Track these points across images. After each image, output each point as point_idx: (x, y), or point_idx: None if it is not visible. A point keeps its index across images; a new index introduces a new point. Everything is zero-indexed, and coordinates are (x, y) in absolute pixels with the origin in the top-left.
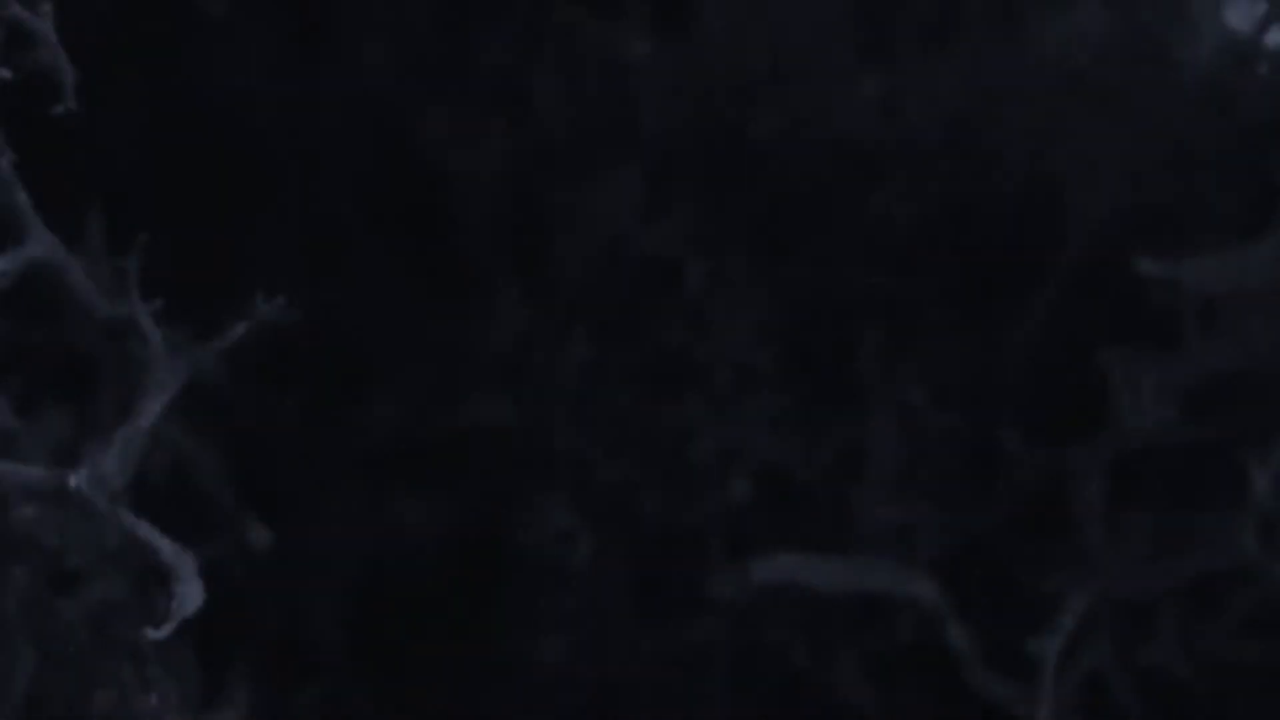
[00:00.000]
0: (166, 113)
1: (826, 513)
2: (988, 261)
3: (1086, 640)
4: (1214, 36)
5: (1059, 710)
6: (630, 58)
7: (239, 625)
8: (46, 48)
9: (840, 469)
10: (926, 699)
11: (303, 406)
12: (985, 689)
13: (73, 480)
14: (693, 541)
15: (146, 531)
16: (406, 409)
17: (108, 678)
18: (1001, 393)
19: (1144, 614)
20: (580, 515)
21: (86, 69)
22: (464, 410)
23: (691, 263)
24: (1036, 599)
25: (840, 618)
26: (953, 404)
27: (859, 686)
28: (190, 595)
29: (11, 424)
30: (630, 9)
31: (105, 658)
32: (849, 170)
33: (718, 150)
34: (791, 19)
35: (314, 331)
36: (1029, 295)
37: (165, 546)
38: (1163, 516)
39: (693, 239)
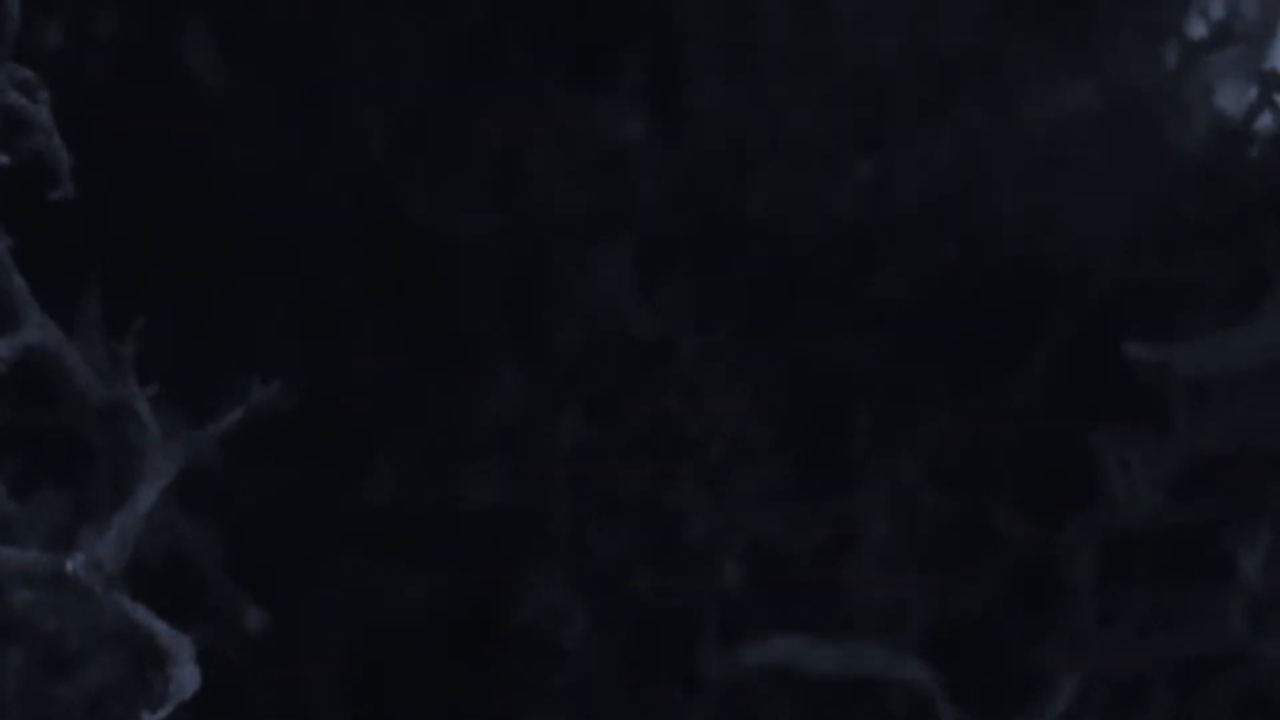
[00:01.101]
0: (163, 190)
1: (818, 590)
2: (980, 340)
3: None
4: (1205, 119)
5: None
6: (624, 137)
7: (236, 708)
8: (44, 134)
9: (833, 546)
10: None
11: (298, 483)
12: None
13: (69, 564)
14: (686, 619)
15: (143, 615)
16: (403, 485)
17: None
18: (993, 471)
19: (1135, 693)
20: (575, 592)
21: (83, 152)
22: (460, 486)
23: (686, 340)
24: (1028, 677)
25: (831, 696)
26: (945, 481)
27: None
28: (187, 678)
29: (8, 507)
30: (625, 89)
31: None
32: (842, 248)
33: (712, 228)
34: (784, 98)
35: (310, 408)
36: (1021, 374)
37: (162, 629)
38: (1153, 596)
39: (687, 316)
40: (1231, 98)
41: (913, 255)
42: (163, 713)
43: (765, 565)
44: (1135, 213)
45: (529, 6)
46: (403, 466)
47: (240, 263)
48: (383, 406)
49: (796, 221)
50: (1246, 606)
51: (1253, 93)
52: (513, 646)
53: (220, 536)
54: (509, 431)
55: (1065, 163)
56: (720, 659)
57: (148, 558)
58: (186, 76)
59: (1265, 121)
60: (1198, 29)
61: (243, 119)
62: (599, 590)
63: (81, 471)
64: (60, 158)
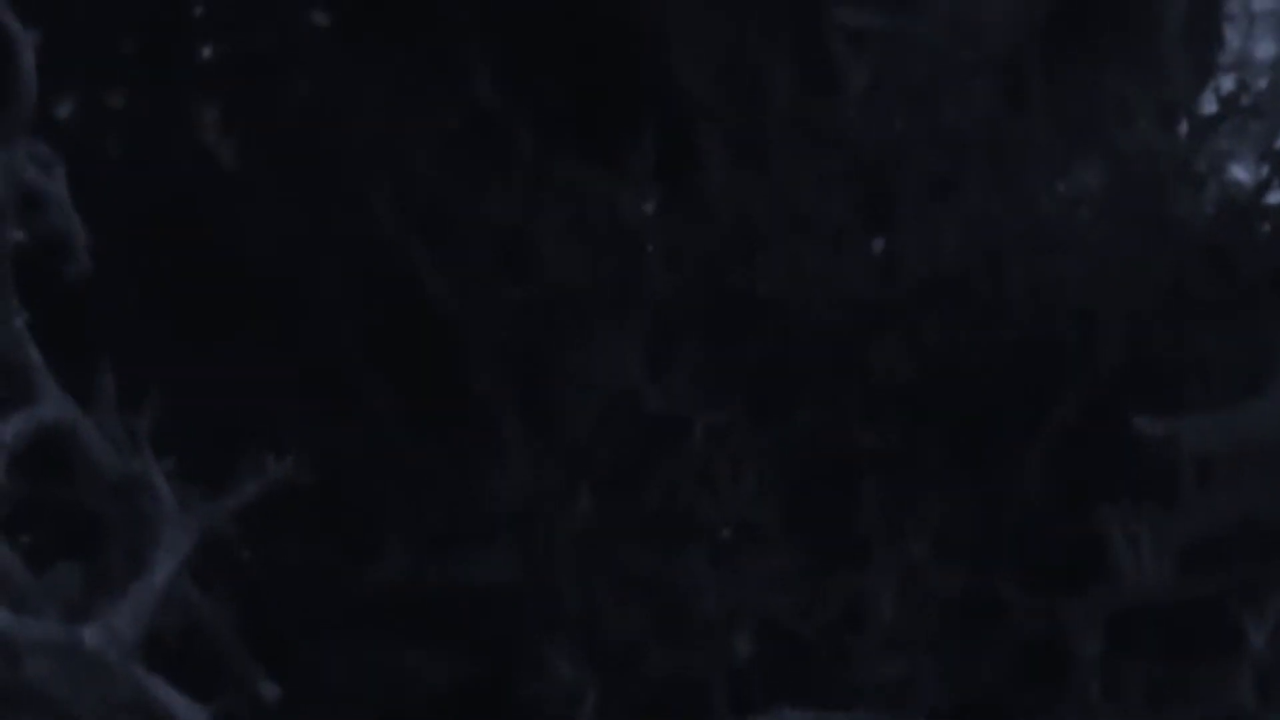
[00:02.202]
0: (177, 266)
1: (827, 666)
2: (987, 416)
3: None
4: (1215, 195)
5: None
6: (634, 215)
7: None
8: (59, 210)
9: (841, 622)
10: None
11: (311, 557)
12: None
13: (86, 635)
14: (696, 695)
15: (158, 687)
16: (414, 560)
17: None
18: (1000, 546)
19: None
20: (586, 668)
21: (98, 226)
22: (471, 563)
23: (695, 418)
24: None
25: None
26: (953, 557)
27: None
28: None
29: (24, 579)
30: (634, 168)
31: None
32: (850, 325)
33: (721, 306)
34: (793, 177)
35: (323, 483)
36: (1028, 450)
37: (177, 701)
38: (1160, 668)
39: (696, 394)
40: (1242, 173)
41: (921, 332)
42: None
43: (775, 642)
44: (1143, 289)
45: (539, 85)
46: (414, 542)
47: (254, 338)
48: (394, 482)
49: (805, 299)
50: (1254, 678)
51: (1263, 169)
52: None
53: (235, 610)
54: (520, 508)
55: (1073, 239)
56: None
57: (163, 630)
58: (199, 152)
59: (1275, 197)
60: (1208, 105)
61: (255, 195)
62: (610, 666)
63: (97, 544)
64: (76, 233)
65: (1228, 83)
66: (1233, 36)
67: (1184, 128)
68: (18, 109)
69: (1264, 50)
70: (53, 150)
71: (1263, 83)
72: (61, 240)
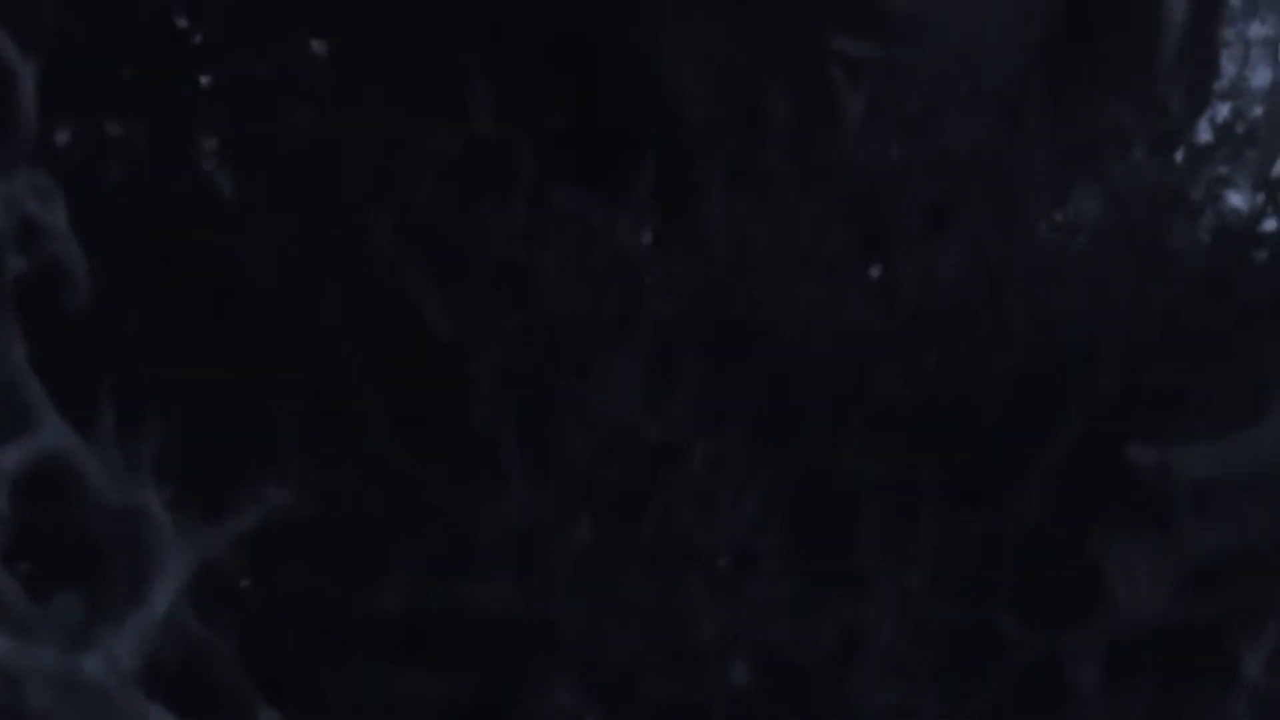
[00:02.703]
0: (176, 294)
1: (826, 695)
2: (985, 445)
3: None
4: (1211, 224)
5: None
6: (633, 244)
7: None
8: (58, 239)
9: (840, 651)
10: None
11: (312, 584)
12: None
13: (86, 665)
14: None
15: (159, 715)
16: (415, 587)
17: None
18: (998, 575)
19: None
20: (586, 695)
21: (97, 255)
22: (471, 590)
23: (694, 446)
24: None
25: None
26: (951, 586)
27: None
28: None
29: (25, 608)
30: (634, 197)
31: None
32: (849, 354)
33: (720, 335)
34: (792, 206)
35: (323, 510)
36: (1027, 479)
37: None
38: (1157, 696)
39: (695, 422)
40: (1238, 201)
41: (919, 361)
42: None
43: (773, 670)
44: (1140, 317)
45: (539, 114)
46: (414, 569)
47: (254, 366)
48: (394, 510)
49: (803, 329)
50: (1250, 705)
51: (1259, 197)
52: None
53: (235, 637)
54: (520, 536)
55: (1071, 268)
56: None
57: (163, 658)
58: (197, 180)
59: (1271, 225)
60: (1205, 133)
61: (254, 223)
62: (609, 693)
63: (98, 573)
64: (75, 263)
65: (1224, 111)
66: (1229, 64)
67: (1181, 156)
68: (17, 139)
69: (1260, 78)
70: (52, 179)
71: (1258, 110)
72: (61, 269)
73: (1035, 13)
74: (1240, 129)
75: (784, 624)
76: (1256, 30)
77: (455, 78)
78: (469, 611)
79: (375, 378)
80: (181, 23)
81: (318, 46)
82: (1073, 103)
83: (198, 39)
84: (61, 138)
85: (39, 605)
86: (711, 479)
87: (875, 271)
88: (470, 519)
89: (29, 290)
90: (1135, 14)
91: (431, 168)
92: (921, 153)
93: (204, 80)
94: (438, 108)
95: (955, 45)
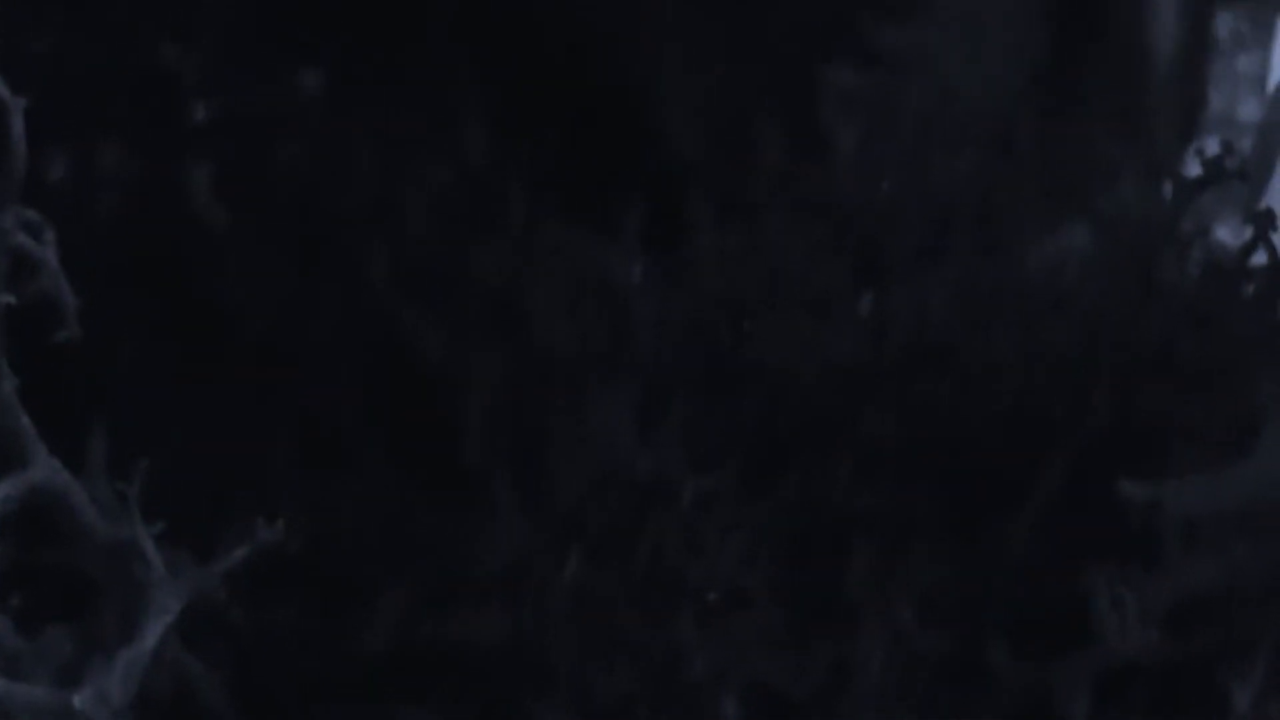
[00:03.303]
0: (167, 329)
1: None
2: (975, 480)
3: None
4: (1201, 257)
5: None
6: (623, 280)
7: None
8: (49, 275)
9: (830, 686)
10: None
11: (302, 619)
12: None
13: (77, 699)
14: None
15: None
16: (405, 622)
17: None
18: (988, 610)
19: None
20: None
21: (88, 290)
22: (462, 624)
23: (684, 482)
24: None
25: None
26: (941, 620)
27: None
28: None
29: (15, 643)
30: (624, 232)
31: None
32: (838, 390)
33: (709, 371)
34: (782, 242)
35: (313, 545)
36: (1016, 513)
37: None
38: None
39: (685, 459)
40: (1227, 235)
41: (909, 396)
42: None
43: (763, 705)
44: (1130, 352)
45: (530, 148)
46: (405, 604)
47: (244, 402)
48: (385, 545)
49: (794, 364)
50: None
51: (1248, 231)
52: None
53: (225, 673)
54: (511, 571)
55: (1060, 303)
56: None
57: (154, 694)
58: (188, 213)
59: (1260, 259)
60: (1194, 168)
61: (246, 257)
62: None
63: (88, 608)
64: (66, 299)
65: (1212, 144)
66: (1216, 97)
67: (1169, 189)
68: (8, 176)
69: (1247, 110)
70: (42, 215)
71: (1246, 143)
72: (51, 304)
73: (1024, 46)
74: (1229, 163)
75: (774, 659)
76: (1244, 63)
77: (448, 113)
78: (460, 646)
79: (367, 412)
80: (174, 56)
81: (310, 81)
82: (1061, 136)
83: (190, 72)
84: (53, 171)
85: (29, 640)
86: (702, 514)
87: (866, 305)
88: (462, 554)
89: (19, 324)
90: (1123, 48)
91: (424, 202)
92: (912, 187)
93: (196, 114)
94: (430, 143)
95: (944, 79)
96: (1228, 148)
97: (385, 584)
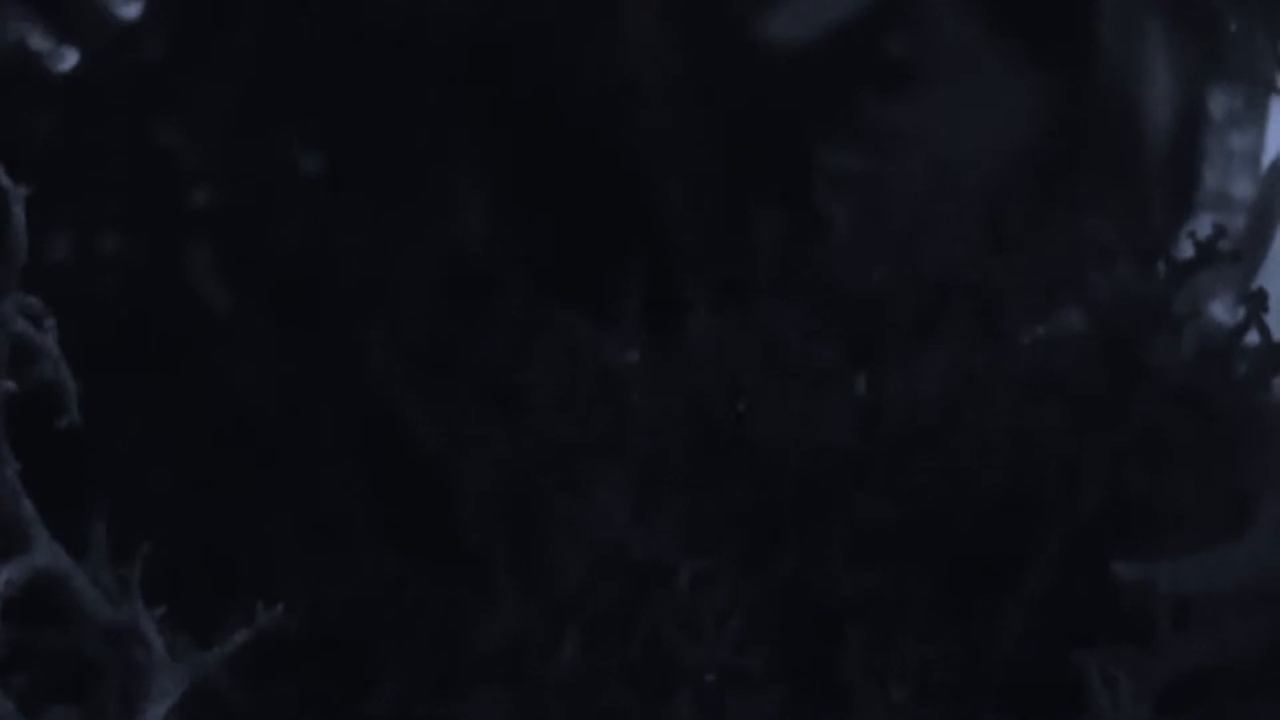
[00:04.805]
0: (167, 413)
1: None
2: (969, 560)
3: None
4: (1193, 338)
5: None
6: (620, 361)
7: None
8: (49, 362)
9: None
10: None
11: (302, 702)
12: None
13: None
14: None
15: None
16: (404, 705)
17: None
18: (982, 689)
19: None
20: None
21: (88, 374)
22: (461, 704)
23: (680, 564)
24: None
25: None
26: (935, 701)
27: None
28: None
29: None
30: (621, 313)
31: None
32: (834, 470)
33: (706, 452)
34: (777, 322)
35: (313, 628)
36: (1010, 594)
37: None
38: None
39: (682, 540)
40: (1221, 313)
41: (903, 476)
42: None
43: None
44: (1122, 433)
45: (527, 234)
46: (404, 687)
47: (244, 485)
48: (385, 626)
49: (789, 445)
50: None
51: (1240, 311)
52: None
53: None
54: (509, 652)
55: (1053, 385)
56: None
57: None
58: (189, 296)
59: (1252, 339)
60: (1186, 250)
61: (247, 340)
62: None
63: (89, 691)
64: (67, 385)
65: (1205, 224)
66: (1210, 176)
67: (1162, 269)
68: (9, 264)
69: (1241, 189)
70: (44, 302)
71: (1240, 222)
72: (53, 390)
73: (1018, 127)
74: (1222, 243)
75: None
76: (1238, 142)
77: (447, 198)
78: None
79: (366, 495)
80: (174, 141)
81: (309, 165)
82: (1055, 217)
83: (190, 158)
84: (54, 255)
85: None
86: (698, 597)
87: (860, 387)
88: (461, 635)
89: (21, 410)
90: (1117, 127)
91: (423, 286)
92: (906, 268)
93: (197, 198)
94: (429, 227)
95: (938, 161)
96: (1220, 230)
97: (385, 665)
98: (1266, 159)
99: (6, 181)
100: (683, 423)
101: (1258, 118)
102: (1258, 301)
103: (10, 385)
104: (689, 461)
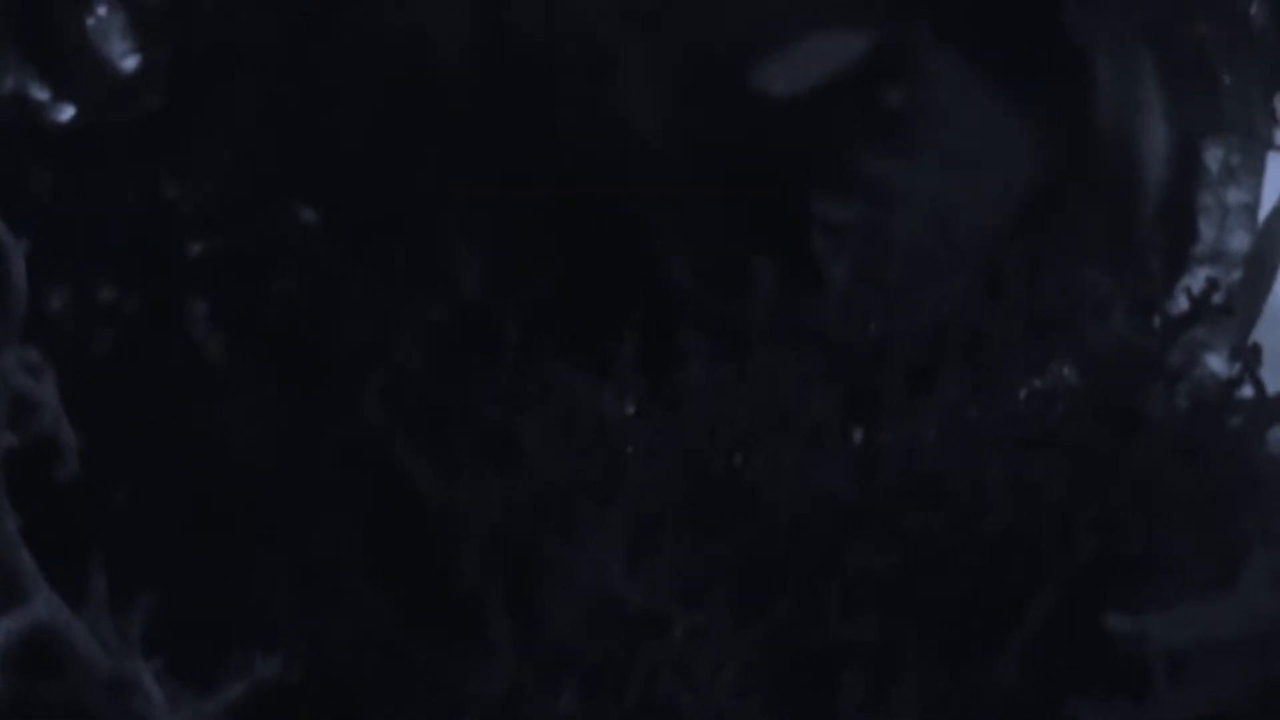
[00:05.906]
0: (165, 466)
1: None
2: (964, 611)
3: None
4: (1187, 391)
5: None
6: (616, 413)
7: None
8: (49, 414)
9: None
10: None
11: None
12: None
13: None
14: None
15: None
16: None
17: None
18: None
19: None
20: None
21: (88, 426)
22: None
23: (675, 614)
24: None
25: None
26: None
27: None
28: None
29: None
30: (617, 366)
31: None
32: (829, 520)
33: (701, 502)
34: (773, 374)
35: (311, 678)
36: (1005, 644)
37: None
38: None
39: (677, 590)
40: (1216, 364)
41: (898, 527)
42: None
43: None
44: (1117, 485)
45: (524, 284)
46: None
47: (243, 535)
48: (381, 676)
49: (785, 495)
50: None
51: (1235, 365)
52: None
53: None
54: (505, 702)
55: (1048, 437)
56: None
57: None
58: (188, 348)
59: (1246, 392)
60: (1182, 301)
61: (244, 392)
62: None
63: None
64: (66, 438)
65: (1201, 276)
66: (1207, 229)
67: (1158, 322)
68: (9, 317)
69: (1238, 243)
70: (42, 354)
71: (1236, 276)
72: (51, 443)
73: (1013, 179)
74: (1218, 297)
75: None
76: (1234, 195)
77: (443, 248)
78: None
79: (362, 545)
80: (171, 191)
81: (306, 215)
82: (1050, 269)
83: (188, 207)
84: (52, 307)
85: None
86: (693, 647)
87: (857, 437)
88: (457, 685)
89: (20, 463)
90: (1113, 180)
91: (419, 336)
92: (903, 319)
93: (194, 248)
94: (425, 277)
95: (934, 211)
96: (1213, 284)
97: (383, 713)
98: (1263, 213)
99: (6, 236)
100: (679, 473)
101: (1255, 171)
102: (1252, 356)
103: (10, 439)
104: (685, 511)
